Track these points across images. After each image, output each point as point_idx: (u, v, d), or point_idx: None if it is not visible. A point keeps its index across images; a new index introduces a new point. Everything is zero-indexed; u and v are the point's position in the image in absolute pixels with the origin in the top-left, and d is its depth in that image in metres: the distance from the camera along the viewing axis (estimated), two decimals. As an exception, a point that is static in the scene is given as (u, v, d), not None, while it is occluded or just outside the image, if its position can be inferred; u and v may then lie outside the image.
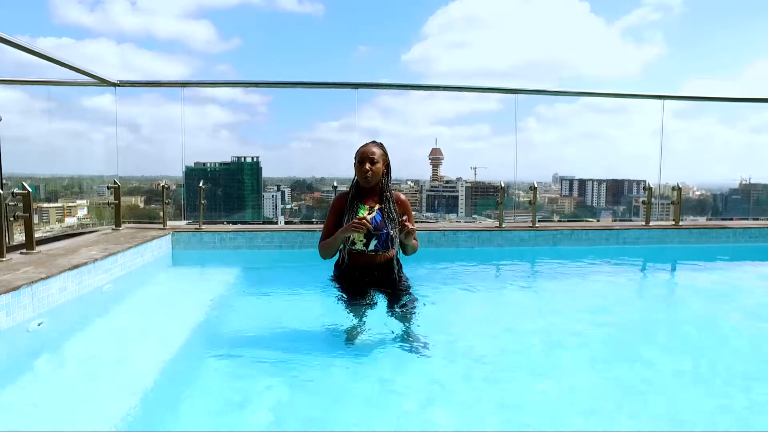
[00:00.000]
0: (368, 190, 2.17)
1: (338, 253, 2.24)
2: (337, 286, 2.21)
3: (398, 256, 2.23)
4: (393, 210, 2.15)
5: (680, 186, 4.21)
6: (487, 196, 5.39)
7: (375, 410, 1.43)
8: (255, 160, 4.91)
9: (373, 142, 2.20)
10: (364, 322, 2.01)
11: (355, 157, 2.16)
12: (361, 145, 2.18)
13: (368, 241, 2.11)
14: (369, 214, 2.13)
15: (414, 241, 2.14)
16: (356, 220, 1.98)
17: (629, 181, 5.55)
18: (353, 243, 2.12)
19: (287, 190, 5.25)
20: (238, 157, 4.94)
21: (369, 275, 2.15)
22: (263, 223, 4.56)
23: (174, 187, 4.24)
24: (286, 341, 1.94)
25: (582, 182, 5.79)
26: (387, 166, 2.19)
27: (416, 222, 2.31)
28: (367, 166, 2.11)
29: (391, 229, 2.12)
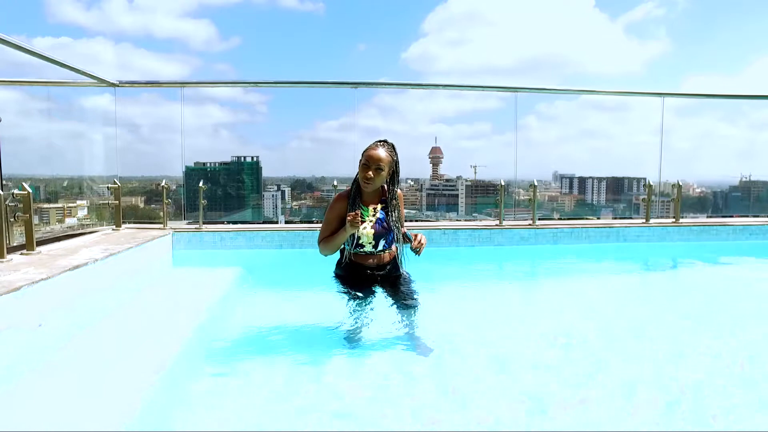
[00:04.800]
0: (370, 193, 2.13)
1: (339, 253, 2.23)
2: (341, 284, 2.20)
3: (402, 251, 2.22)
4: (396, 215, 2.14)
5: (680, 183, 4.21)
6: (488, 195, 5.38)
7: (376, 409, 1.43)
8: (255, 159, 4.91)
9: (384, 142, 2.08)
10: (368, 320, 2.01)
11: (362, 157, 2.05)
12: (371, 144, 2.07)
13: (377, 242, 2.10)
14: (373, 216, 2.11)
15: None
16: (350, 216, 1.92)
17: (629, 178, 5.54)
18: (361, 245, 2.10)
19: (287, 190, 5.24)
20: (238, 157, 4.94)
21: (380, 273, 2.15)
22: (263, 222, 4.56)
23: (174, 187, 4.24)
24: (288, 341, 1.94)
25: (582, 180, 5.77)
26: (394, 172, 2.10)
27: (417, 221, 2.32)
28: (371, 173, 2.00)
29: (396, 228, 2.12)
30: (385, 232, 2.10)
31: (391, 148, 2.10)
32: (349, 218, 1.93)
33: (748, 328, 2.20)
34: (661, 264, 3.79)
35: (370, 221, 2.09)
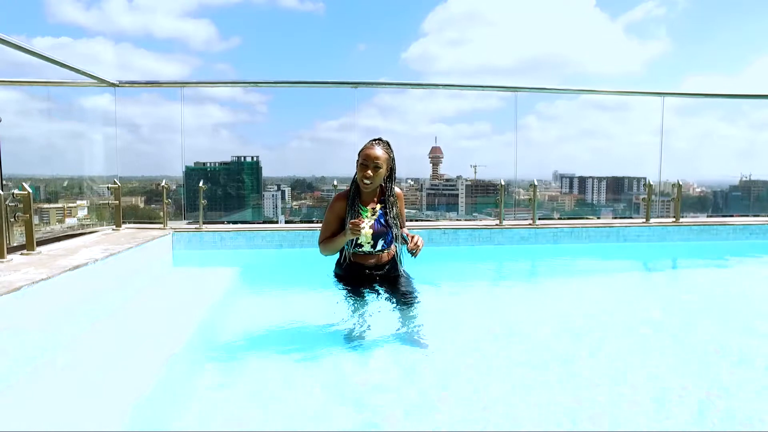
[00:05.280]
0: (368, 192, 2.13)
1: (339, 253, 2.23)
2: (340, 284, 2.20)
3: (400, 252, 2.22)
4: (396, 214, 2.14)
5: (680, 183, 4.21)
6: (488, 194, 5.38)
7: (376, 409, 1.43)
8: (255, 159, 4.91)
9: (379, 140, 2.09)
10: (367, 320, 2.01)
11: (359, 157, 2.07)
12: (367, 143, 2.08)
13: (375, 242, 2.11)
14: (372, 215, 2.11)
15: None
16: (351, 224, 1.93)
17: (629, 178, 5.54)
18: (360, 245, 2.11)
19: (287, 190, 5.24)
20: (238, 157, 4.93)
21: (378, 273, 2.15)
22: (264, 222, 4.56)
23: (174, 187, 4.24)
24: (287, 341, 1.94)
25: (582, 180, 5.77)
26: (391, 169, 2.10)
27: (417, 220, 2.33)
28: (369, 172, 2.00)
29: (395, 228, 2.12)
30: (383, 231, 2.10)
31: (387, 145, 2.11)
32: (350, 226, 1.93)
33: (749, 327, 2.20)
34: (662, 263, 3.79)
35: (369, 222, 2.10)
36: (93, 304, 2.36)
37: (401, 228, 2.19)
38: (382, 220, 2.11)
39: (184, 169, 4.24)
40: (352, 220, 1.95)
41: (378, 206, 2.14)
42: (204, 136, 5.23)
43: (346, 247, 2.14)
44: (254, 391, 1.53)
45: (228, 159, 4.92)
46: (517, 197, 4.47)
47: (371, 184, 2.04)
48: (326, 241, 2.12)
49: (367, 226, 2.08)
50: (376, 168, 2.02)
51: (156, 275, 3.18)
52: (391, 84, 4.87)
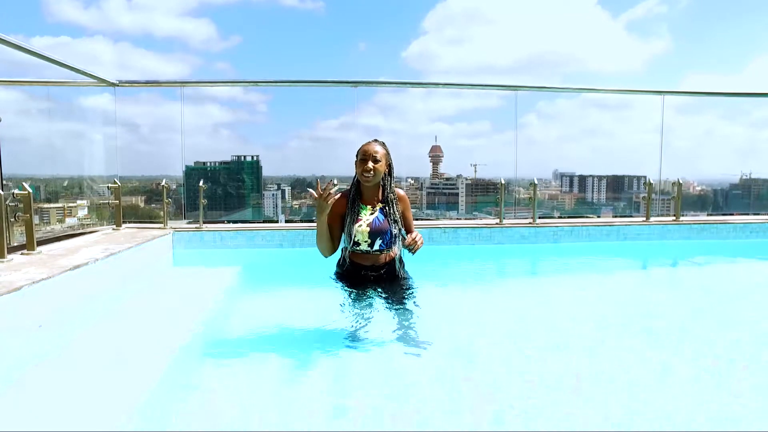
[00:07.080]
0: (369, 190, 2.16)
1: (340, 253, 2.24)
2: (340, 284, 2.21)
3: (401, 254, 2.23)
4: (396, 212, 2.15)
5: (681, 181, 4.21)
6: (488, 193, 5.38)
7: (375, 409, 1.43)
8: (255, 158, 4.90)
9: (375, 140, 2.16)
10: (367, 320, 2.01)
11: (357, 155, 2.12)
12: (364, 143, 2.15)
13: (373, 241, 2.11)
14: (371, 214, 2.12)
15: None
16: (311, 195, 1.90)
17: (629, 177, 5.54)
18: (357, 243, 2.11)
19: (287, 189, 5.24)
20: (238, 156, 4.93)
21: (374, 274, 2.16)
22: (264, 221, 4.56)
23: (174, 187, 4.24)
24: (287, 340, 1.95)
25: (582, 178, 5.77)
26: (389, 166, 2.15)
27: (417, 219, 2.33)
28: (370, 164, 2.04)
29: (394, 228, 2.12)
30: (381, 230, 2.11)
31: (384, 144, 2.17)
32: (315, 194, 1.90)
33: (750, 326, 2.20)
34: (662, 262, 3.78)
35: (367, 220, 2.10)
36: (93, 303, 2.36)
37: (409, 231, 2.20)
38: (381, 218, 2.12)
39: (184, 169, 4.24)
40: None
41: (378, 205, 2.15)
42: (204, 136, 5.22)
43: (344, 244, 2.15)
44: (254, 391, 1.53)
45: (228, 158, 4.92)
46: (517, 196, 4.47)
47: (372, 177, 2.06)
48: (317, 236, 2.11)
49: (364, 223, 2.08)
50: (375, 161, 2.05)
51: (156, 275, 3.18)
52: (391, 83, 4.87)
